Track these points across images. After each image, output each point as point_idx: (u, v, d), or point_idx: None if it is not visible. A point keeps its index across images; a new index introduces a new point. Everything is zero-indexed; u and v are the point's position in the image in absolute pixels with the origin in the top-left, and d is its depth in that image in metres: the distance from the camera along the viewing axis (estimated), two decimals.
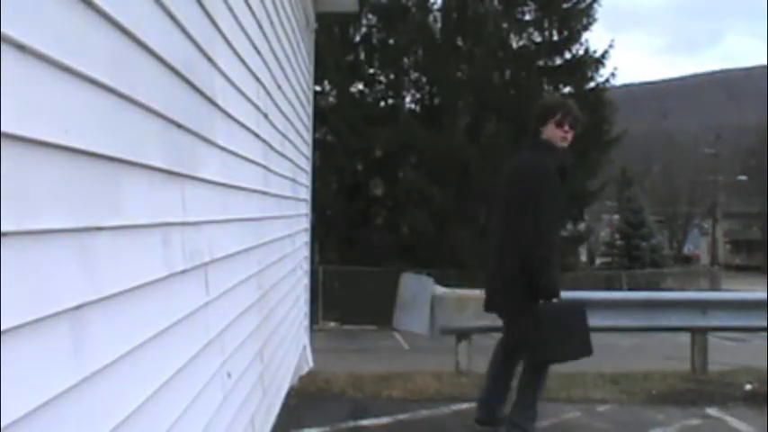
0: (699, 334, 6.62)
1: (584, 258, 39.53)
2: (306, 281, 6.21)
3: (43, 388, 1.19)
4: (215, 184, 2.49)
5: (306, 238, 6.11)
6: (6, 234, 1.05)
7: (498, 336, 4.62)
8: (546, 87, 23.46)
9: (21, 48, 1.10)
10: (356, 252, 21.80)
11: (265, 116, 3.62)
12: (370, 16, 23.90)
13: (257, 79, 3.34)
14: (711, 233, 50.02)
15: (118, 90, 1.51)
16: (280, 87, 4.13)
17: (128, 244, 1.62)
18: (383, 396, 5.41)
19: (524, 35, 23.96)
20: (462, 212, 21.68)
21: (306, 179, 5.95)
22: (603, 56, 23.83)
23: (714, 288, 27.94)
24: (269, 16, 3.62)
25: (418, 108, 25.06)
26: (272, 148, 3.87)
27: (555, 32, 23.84)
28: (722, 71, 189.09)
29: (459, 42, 23.66)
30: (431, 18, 24.07)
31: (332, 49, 20.64)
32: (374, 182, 24.75)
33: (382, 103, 24.94)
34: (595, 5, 23.65)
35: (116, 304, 1.50)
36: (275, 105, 3.97)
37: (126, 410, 1.56)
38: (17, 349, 1.09)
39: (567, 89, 23.64)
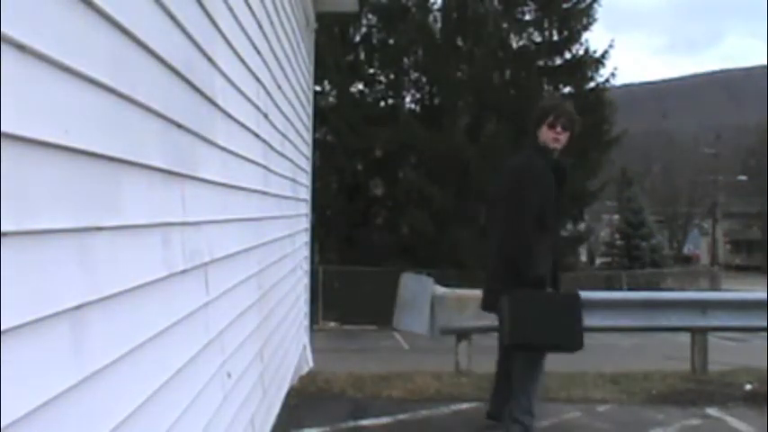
0: (699, 334, 6.62)
1: (584, 258, 39.54)
2: (306, 281, 6.21)
3: (43, 388, 1.19)
4: (215, 184, 2.49)
5: (306, 238, 6.11)
6: (6, 234, 1.05)
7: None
8: (546, 87, 23.45)
9: (21, 48, 1.10)
10: (356, 252, 21.79)
11: (265, 116, 3.62)
12: (370, 16, 23.88)
13: (257, 79, 3.34)
14: (711, 233, 50.03)
15: (118, 90, 1.51)
16: (280, 87, 4.14)
17: (128, 244, 1.62)
18: (383, 396, 5.41)
19: (524, 35, 23.94)
20: (462, 212, 21.66)
21: (306, 179, 5.95)
22: (603, 56, 23.83)
23: (714, 288, 27.92)
24: (269, 16, 3.62)
25: (418, 108, 25.04)
26: (272, 148, 3.87)
27: (555, 32, 23.82)
28: (722, 71, 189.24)
29: (460, 42, 23.65)
30: (431, 18, 24.05)
31: (332, 49, 20.63)
32: (374, 182, 24.73)
33: (382, 103, 24.92)
34: (595, 5, 23.64)
35: (116, 304, 1.50)
36: (275, 105, 3.97)
37: (126, 410, 1.56)
38: (17, 349, 1.09)
39: (567, 89, 23.63)
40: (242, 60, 2.93)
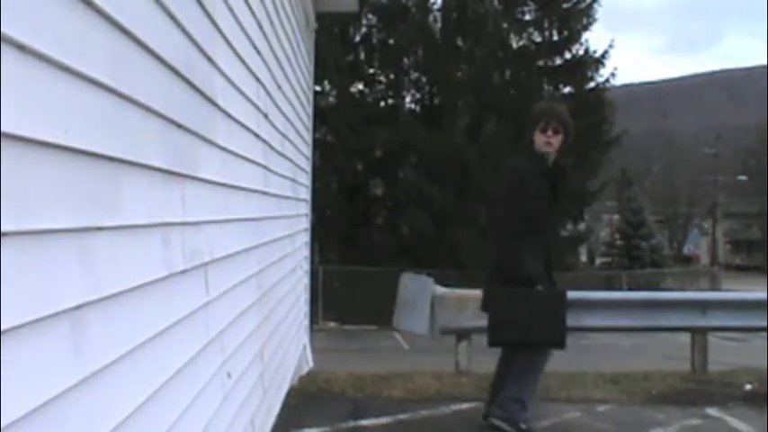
0: (699, 334, 6.62)
1: (584, 258, 39.51)
2: (306, 281, 6.21)
3: (43, 388, 1.19)
4: (215, 184, 2.49)
5: (306, 238, 6.11)
6: (6, 234, 1.05)
7: None
8: (546, 87, 23.47)
9: (21, 48, 1.10)
10: (356, 252, 21.79)
11: (265, 116, 3.62)
12: (370, 16, 23.88)
13: (257, 79, 3.34)
14: (711, 233, 50.04)
15: (118, 90, 1.51)
16: (280, 87, 4.14)
17: (128, 244, 1.62)
18: (383, 396, 5.41)
19: (524, 35, 23.95)
20: (462, 212, 21.65)
21: (306, 179, 5.95)
22: (603, 56, 23.84)
23: (714, 288, 27.90)
24: (269, 16, 3.62)
25: (418, 108, 25.04)
26: (272, 148, 3.88)
27: (555, 32, 23.83)
28: (722, 71, 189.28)
29: (460, 42, 23.65)
30: (431, 18, 24.06)
31: (332, 49, 20.63)
32: (374, 182, 24.73)
33: (382, 103, 24.92)
34: (595, 5, 23.66)
35: (116, 304, 1.50)
36: (275, 105, 3.97)
37: (126, 410, 1.56)
38: (17, 349, 1.09)
39: (567, 89, 23.67)
40: (242, 60, 2.93)
